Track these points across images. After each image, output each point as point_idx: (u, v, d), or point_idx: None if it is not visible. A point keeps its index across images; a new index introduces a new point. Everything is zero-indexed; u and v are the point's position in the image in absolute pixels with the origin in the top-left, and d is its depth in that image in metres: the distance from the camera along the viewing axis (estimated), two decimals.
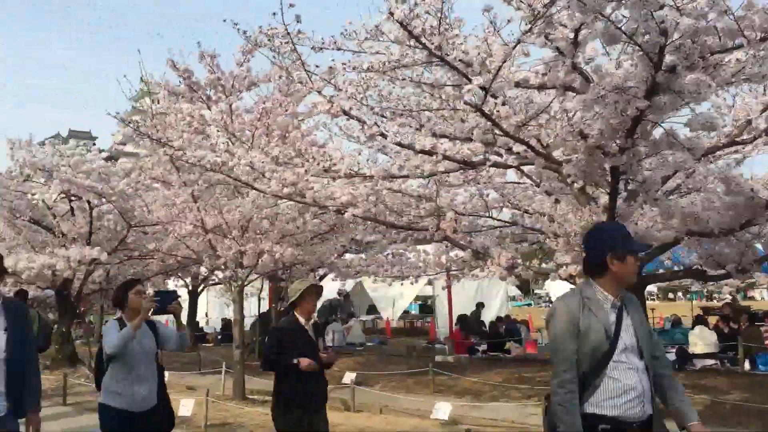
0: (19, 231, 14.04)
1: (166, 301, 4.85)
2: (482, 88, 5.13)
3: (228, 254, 10.19)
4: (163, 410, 4.89)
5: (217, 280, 20.65)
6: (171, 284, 20.89)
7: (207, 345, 20.98)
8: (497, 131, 5.70)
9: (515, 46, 5.15)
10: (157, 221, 11.01)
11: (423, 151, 5.86)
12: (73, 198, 13.57)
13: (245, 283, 10.67)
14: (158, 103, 10.46)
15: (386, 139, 5.80)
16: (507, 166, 6.83)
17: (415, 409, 9.82)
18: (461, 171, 6.96)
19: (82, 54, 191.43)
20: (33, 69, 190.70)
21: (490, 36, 5.43)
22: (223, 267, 10.98)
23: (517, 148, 5.79)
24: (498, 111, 5.39)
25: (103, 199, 12.96)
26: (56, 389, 12.39)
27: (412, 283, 13.96)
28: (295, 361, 4.98)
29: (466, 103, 5.39)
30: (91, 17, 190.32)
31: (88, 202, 13.12)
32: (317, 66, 5.89)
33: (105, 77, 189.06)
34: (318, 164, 6.56)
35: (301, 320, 5.25)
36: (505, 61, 5.15)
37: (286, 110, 9.65)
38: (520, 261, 7.37)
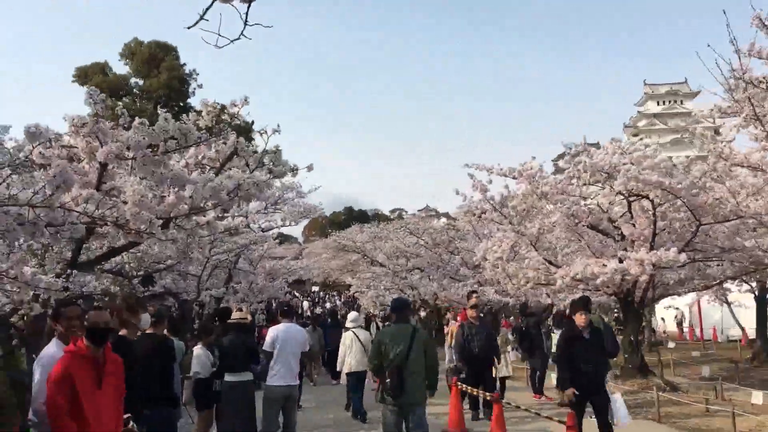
0: (580, 237, 13.90)
1: None
2: None
3: None
4: None
5: None
6: (704, 300, 18.54)
7: None
8: None
9: None
10: (744, 214, 9.16)
11: None
12: (632, 198, 12.77)
13: None
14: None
15: None
16: None
17: None
18: None
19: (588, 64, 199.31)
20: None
21: None
22: None
23: None
24: None
25: (669, 196, 11.75)
26: (639, 404, 11.63)
27: None
28: None
29: None
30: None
31: (651, 201, 12.10)
32: None
33: (607, 82, 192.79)
34: None
35: None
36: None
37: None
38: None
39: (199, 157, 5.80)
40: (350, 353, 11.35)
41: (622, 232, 13.42)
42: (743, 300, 19.73)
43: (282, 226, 20.77)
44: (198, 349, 8.73)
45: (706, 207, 11.18)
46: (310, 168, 5.85)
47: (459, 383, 9.75)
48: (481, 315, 11.92)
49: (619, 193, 12.57)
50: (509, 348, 13.01)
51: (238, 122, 5.81)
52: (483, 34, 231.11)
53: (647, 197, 12.10)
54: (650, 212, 12.35)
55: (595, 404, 7.17)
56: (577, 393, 6.94)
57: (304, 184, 20.82)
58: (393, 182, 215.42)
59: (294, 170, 5.65)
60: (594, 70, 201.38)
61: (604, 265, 11.64)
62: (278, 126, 5.49)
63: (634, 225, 13.11)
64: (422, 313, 16.02)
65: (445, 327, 17.52)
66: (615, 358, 12.63)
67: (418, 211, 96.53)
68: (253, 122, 6.65)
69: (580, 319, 7.39)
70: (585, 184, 13.06)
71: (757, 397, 11.08)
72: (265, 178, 5.12)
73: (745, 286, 17.34)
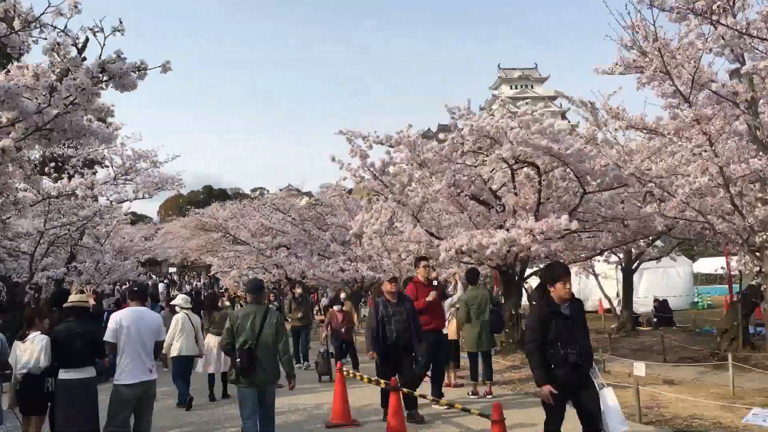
0: (462, 208, 13.20)
1: None
2: None
3: (761, 212, 7.48)
4: None
5: (653, 255, 17.99)
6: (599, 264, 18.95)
7: (642, 329, 18.50)
8: None
9: None
10: (651, 178, 8.67)
11: None
12: (516, 166, 12.22)
13: None
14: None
15: None
16: None
17: None
18: None
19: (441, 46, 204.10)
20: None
21: None
22: (735, 235, 8.32)
23: None
24: None
25: (555, 163, 11.28)
26: (522, 380, 11.19)
27: None
28: None
29: None
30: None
31: (537, 168, 11.59)
32: None
33: (461, 70, 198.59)
34: None
35: None
36: None
37: None
38: None
39: (10, 84, 4.18)
40: (181, 337, 10.57)
41: (502, 203, 12.92)
42: (608, 272, 20.25)
43: (135, 198, 18.64)
44: (35, 338, 7.07)
45: (594, 173, 10.79)
46: (165, 68, 4.30)
47: (346, 370, 8.65)
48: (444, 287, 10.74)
49: (504, 160, 11.97)
50: None
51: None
52: (342, 13, 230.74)
53: (533, 164, 11.58)
54: (536, 180, 11.86)
55: (582, 404, 5.40)
56: (555, 391, 5.20)
57: (159, 154, 18.73)
58: (254, 162, 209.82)
59: (141, 69, 4.11)
60: (452, 53, 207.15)
61: (491, 235, 10.99)
62: (121, 22, 3.96)
63: (516, 194, 12.63)
64: (298, 290, 14.74)
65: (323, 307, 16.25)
66: (499, 334, 12.17)
67: (280, 190, 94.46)
68: (87, 39, 4.85)
69: (562, 290, 5.42)
70: (468, 151, 12.38)
71: (639, 368, 10.93)
72: (96, 83, 3.62)
73: (613, 258, 17.60)
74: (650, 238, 13.08)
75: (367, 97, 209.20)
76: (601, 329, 19.47)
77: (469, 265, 12.49)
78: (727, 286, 33.47)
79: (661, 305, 19.27)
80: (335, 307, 13.06)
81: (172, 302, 11.53)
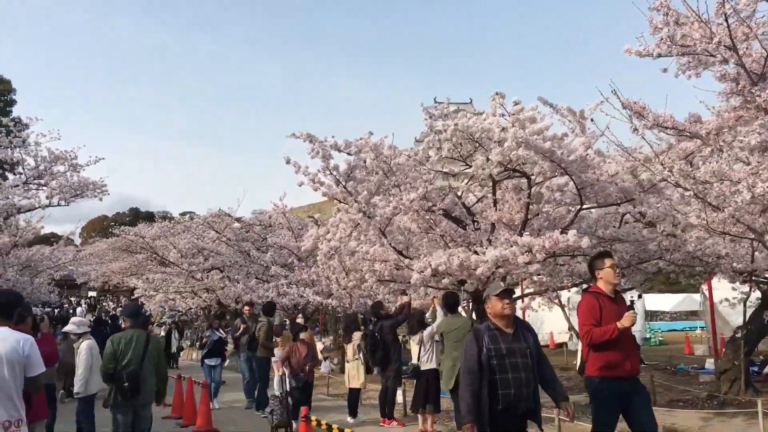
0: (434, 225, 11.42)
1: None
2: None
3: None
4: None
5: (625, 287, 16.62)
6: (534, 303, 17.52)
7: None
8: None
9: None
10: (695, 183, 7.08)
11: None
12: (500, 176, 10.59)
13: None
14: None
15: None
16: None
17: None
18: None
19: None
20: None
21: None
22: None
23: None
24: None
25: (548, 173, 9.70)
26: None
27: None
28: None
29: None
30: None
31: (528, 178, 9.97)
32: None
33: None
34: None
35: None
36: None
37: None
38: None
39: None
40: (92, 369, 8.50)
41: (477, 220, 11.24)
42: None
43: (48, 205, 16.19)
44: None
45: (597, 185, 9.25)
46: None
47: (315, 419, 6.64)
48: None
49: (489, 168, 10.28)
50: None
51: None
52: (289, 47, 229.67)
53: (523, 173, 9.96)
54: (524, 193, 10.25)
55: None
56: None
57: (80, 156, 16.39)
58: (184, 187, 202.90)
59: None
60: (390, 87, 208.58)
61: (476, 253, 9.27)
62: None
63: (498, 209, 10.98)
64: (246, 310, 12.42)
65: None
66: None
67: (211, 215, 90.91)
68: None
69: None
70: (446, 158, 10.69)
71: None
72: None
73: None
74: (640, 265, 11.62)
75: (302, 128, 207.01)
76: (564, 366, 18.05)
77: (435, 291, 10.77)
78: (672, 321, 32.89)
79: None
80: (302, 335, 10.54)
81: (65, 328, 9.46)
